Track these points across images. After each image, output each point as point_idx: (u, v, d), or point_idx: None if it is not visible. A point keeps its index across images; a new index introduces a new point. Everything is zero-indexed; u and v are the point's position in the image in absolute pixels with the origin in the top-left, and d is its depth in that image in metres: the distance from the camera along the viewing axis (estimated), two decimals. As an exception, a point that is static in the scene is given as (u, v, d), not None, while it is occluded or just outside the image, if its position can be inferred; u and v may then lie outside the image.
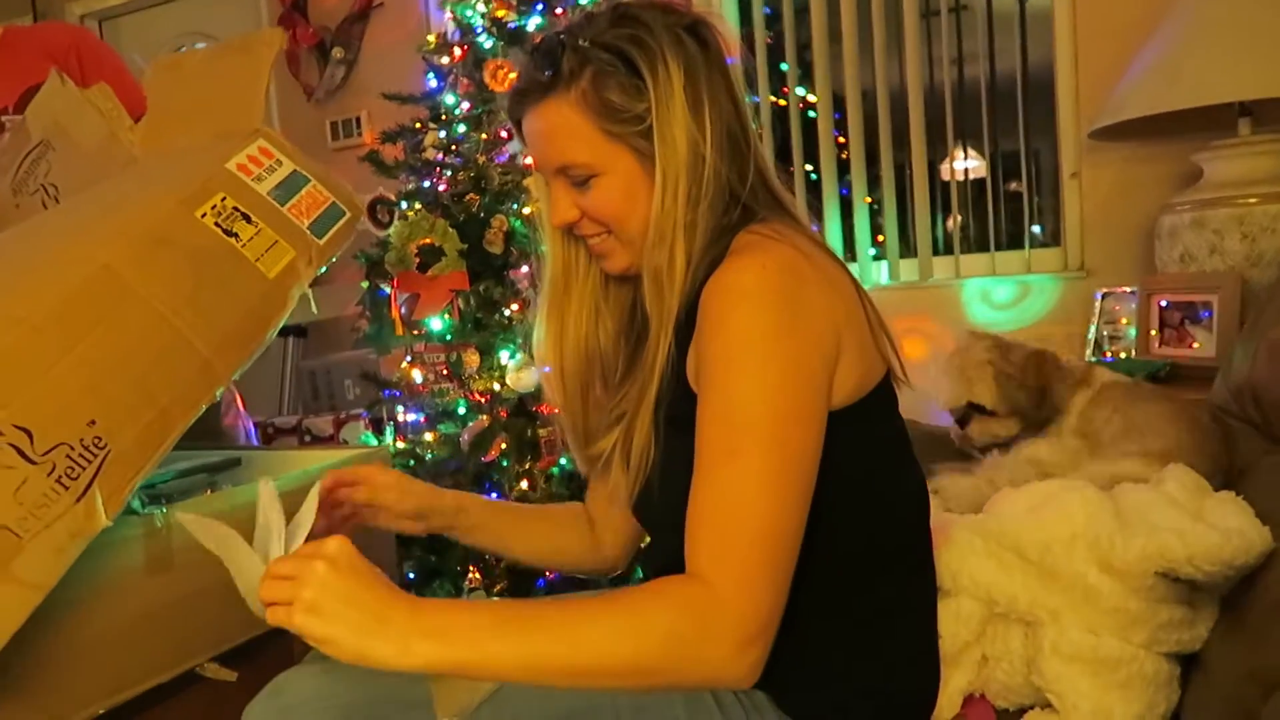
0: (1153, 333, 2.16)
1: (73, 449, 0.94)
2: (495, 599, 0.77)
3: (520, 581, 2.09)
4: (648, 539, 1.35)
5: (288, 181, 1.23)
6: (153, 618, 1.17)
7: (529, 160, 2.07)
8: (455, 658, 0.72)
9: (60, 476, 0.93)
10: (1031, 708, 1.05)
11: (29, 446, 0.91)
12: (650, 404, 0.90)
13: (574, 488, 2.12)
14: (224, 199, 1.16)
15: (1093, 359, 2.31)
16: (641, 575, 1.96)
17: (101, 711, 1.13)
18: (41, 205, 1.49)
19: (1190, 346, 2.08)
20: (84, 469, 0.94)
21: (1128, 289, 2.34)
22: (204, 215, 1.14)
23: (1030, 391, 1.53)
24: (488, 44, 2.17)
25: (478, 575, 2.06)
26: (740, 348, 0.82)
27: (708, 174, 0.90)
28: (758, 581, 0.77)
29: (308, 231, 1.23)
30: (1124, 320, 2.35)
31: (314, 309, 1.30)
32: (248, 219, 1.17)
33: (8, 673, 0.95)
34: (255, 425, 2.66)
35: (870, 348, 0.90)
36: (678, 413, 0.88)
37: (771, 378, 0.81)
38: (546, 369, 1.06)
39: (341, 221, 1.28)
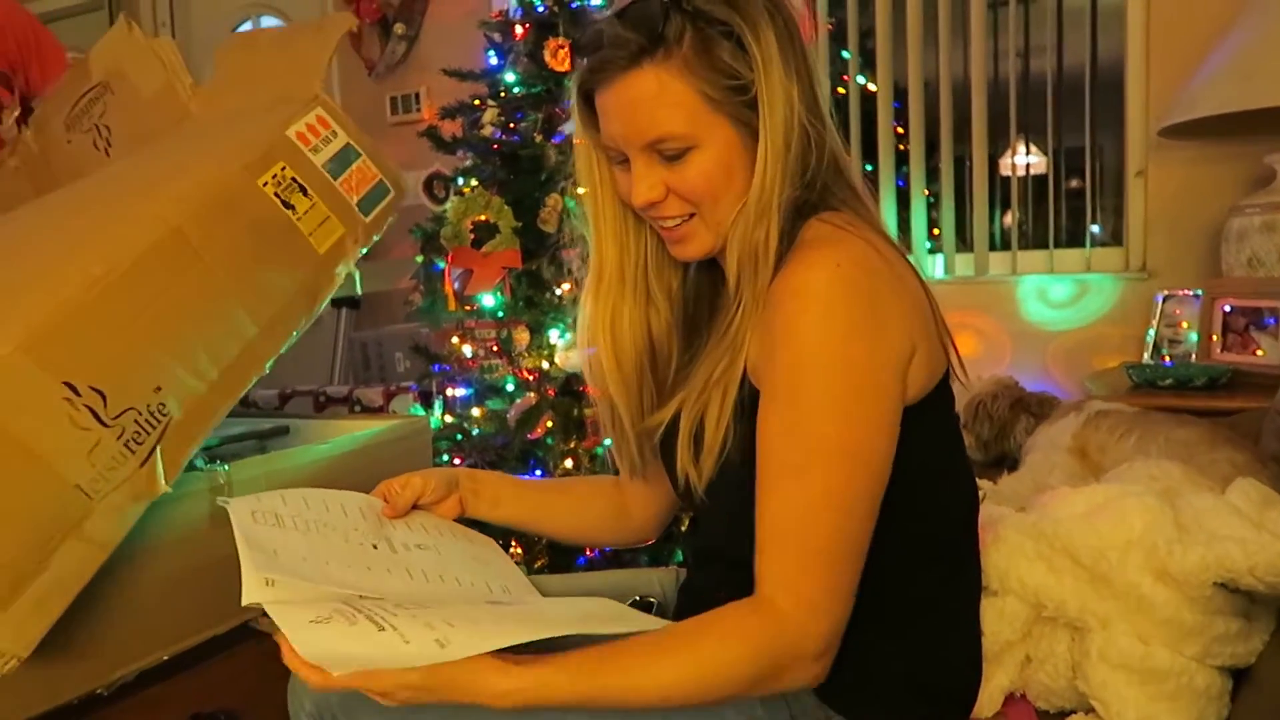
0: (1214, 337, 2.11)
1: (140, 414, 0.96)
2: (577, 650, 0.78)
3: (560, 557, 2.10)
4: (686, 522, 1.36)
5: (341, 155, 1.22)
6: (212, 570, 1.20)
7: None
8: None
9: (128, 440, 0.94)
10: (1073, 712, 1.04)
11: (103, 409, 0.93)
12: (735, 384, 0.87)
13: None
14: (284, 168, 1.15)
15: (1150, 362, 2.27)
16: (681, 558, 1.97)
17: (165, 657, 1.17)
18: (92, 145, 1.49)
19: (1254, 353, 2.03)
20: (149, 434, 0.96)
21: (1190, 292, 2.28)
22: (265, 184, 1.13)
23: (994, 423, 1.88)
24: (550, 22, 2.17)
25: (519, 550, 2.08)
26: (811, 357, 0.80)
27: (800, 145, 0.87)
28: (829, 602, 0.80)
29: (356, 209, 1.22)
30: (1185, 324, 2.29)
31: (358, 288, 1.31)
32: (304, 191, 1.16)
33: (79, 619, 0.98)
34: (306, 394, 2.71)
35: (936, 344, 0.89)
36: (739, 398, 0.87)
37: (842, 390, 0.80)
38: (590, 349, 1.03)
39: (386, 200, 1.27)
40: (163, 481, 0.97)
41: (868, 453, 0.81)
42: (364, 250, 1.25)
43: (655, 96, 0.87)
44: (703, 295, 1.03)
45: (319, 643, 0.72)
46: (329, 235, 1.18)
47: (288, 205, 1.15)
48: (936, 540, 0.92)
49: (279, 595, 0.81)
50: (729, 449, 0.87)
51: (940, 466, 0.92)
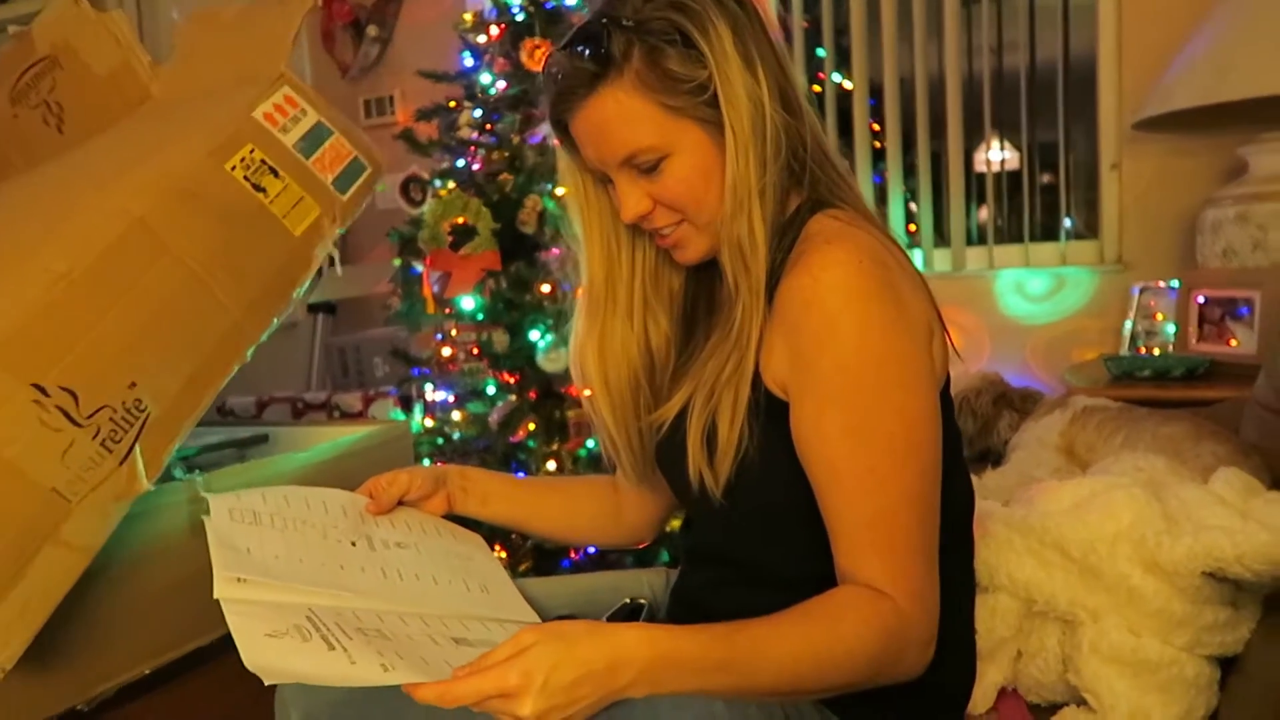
0: (1191, 328, 2.13)
1: (115, 411, 0.93)
2: (711, 625, 0.76)
3: (545, 561, 2.09)
4: (677, 523, 1.35)
5: (312, 133, 1.19)
6: (195, 581, 1.19)
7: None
8: (680, 693, 0.74)
9: (104, 439, 0.92)
10: (1065, 705, 1.04)
11: (74, 409, 0.90)
12: (747, 381, 0.86)
13: (601, 470, 2.11)
14: (252, 150, 1.12)
15: (1128, 354, 2.29)
16: (668, 559, 1.96)
17: (147, 671, 1.15)
18: (42, 121, 1.45)
19: (1228, 343, 2.05)
20: (126, 432, 0.94)
21: (1165, 283, 2.30)
22: (233, 168, 1.10)
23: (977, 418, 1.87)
24: (525, 22, 2.16)
25: (504, 554, 2.07)
26: (860, 357, 0.81)
27: (773, 132, 0.87)
28: (929, 590, 0.82)
29: (331, 187, 1.19)
30: (1160, 315, 2.32)
31: (338, 270, 1.28)
32: (275, 173, 1.13)
33: (58, 634, 0.96)
34: (284, 400, 2.68)
35: (942, 334, 0.90)
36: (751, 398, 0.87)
37: (897, 386, 0.81)
38: (587, 391, 1.03)
39: (363, 177, 1.23)
40: (144, 479, 0.95)
41: (930, 443, 0.83)
42: (341, 230, 1.22)
43: (617, 117, 0.88)
44: (700, 292, 1.03)
45: (266, 654, 0.71)
46: (304, 216, 1.15)
47: (258, 188, 1.11)
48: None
49: (248, 594, 0.81)
50: (746, 449, 0.87)
51: (944, 464, 0.92)
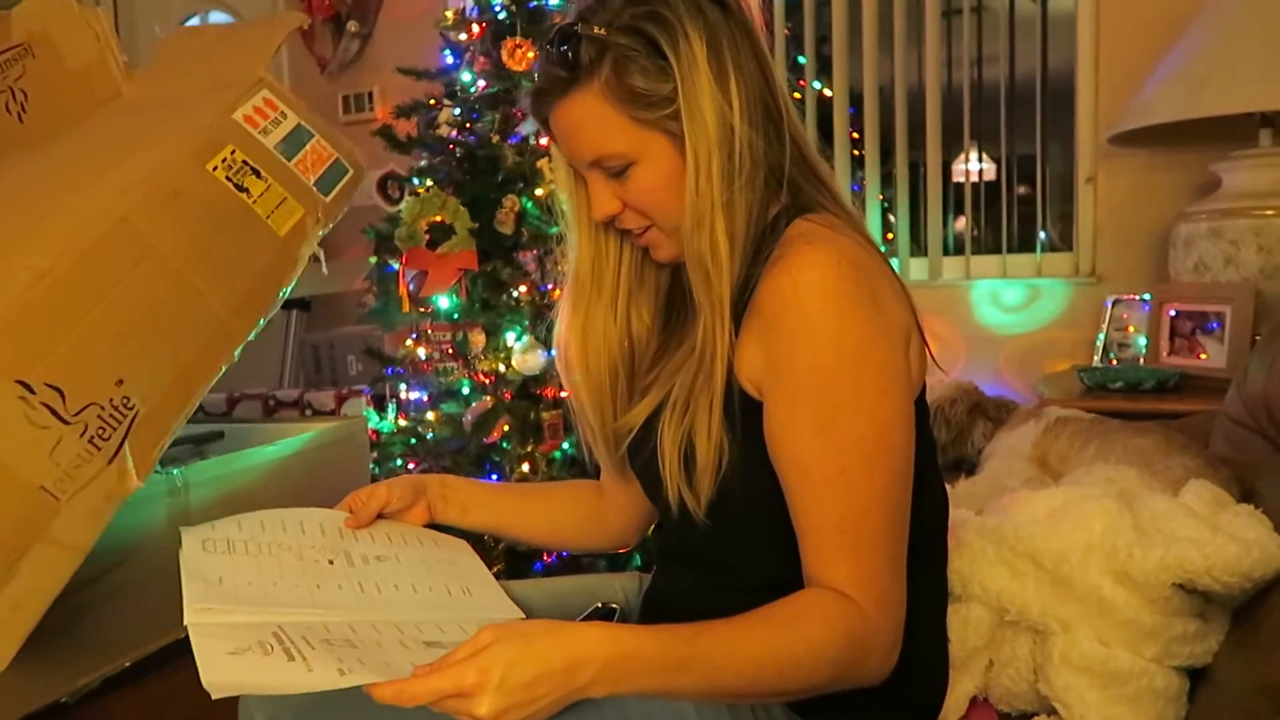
0: (1162, 341, 2.15)
1: (103, 409, 0.92)
2: (673, 626, 0.75)
3: (517, 564, 2.08)
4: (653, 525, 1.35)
5: (293, 136, 1.19)
6: (173, 574, 1.19)
7: (545, 140, 2.07)
8: (641, 694, 0.74)
9: (92, 437, 0.91)
10: (1035, 714, 1.04)
11: (61, 406, 0.89)
12: (719, 398, 0.86)
13: (575, 472, 2.11)
14: (233, 151, 1.12)
15: (1100, 365, 2.31)
16: (640, 563, 1.95)
17: (127, 664, 1.14)
18: (4, 107, 1.42)
19: (1198, 357, 2.07)
20: (114, 429, 0.93)
21: (1138, 297, 2.33)
22: (215, 169, 1.10)
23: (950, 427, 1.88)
24: (507, 21, 2.15)
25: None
26: (835, 358, 0.80)
27: (740, 147, 0.86)
28: (896, 593, 0.82)
29: (314, 189, 1.19)
30: (1132, 328, 2.34)
31: (324, 269, 1.28)
32: (257, 174, 1.13)
33: (43, 628, 0.95)
34: (255, 397, 2.65)
35: (920, 341, 0.90)
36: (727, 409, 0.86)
37: (871, 388, 0.81)
38: (574, 376, 1.03)
39: (346, 179, 1.24)
40: (134, 478, 0.94)
41: (903, 447, 0.83)
42: (323, 232, 1.22)
43: (586, 122, 0.89)
44: (679, 283, 1.02)
45: (228, 674, 0.71)
46: (288, 217, 1.15)
47: (241, 189, 1.11)
48: (909, 547, 0.92)
49: (216, 618, 0.80)
50: (726, 465, 0.86)
51: (917, 472, 0.92)
